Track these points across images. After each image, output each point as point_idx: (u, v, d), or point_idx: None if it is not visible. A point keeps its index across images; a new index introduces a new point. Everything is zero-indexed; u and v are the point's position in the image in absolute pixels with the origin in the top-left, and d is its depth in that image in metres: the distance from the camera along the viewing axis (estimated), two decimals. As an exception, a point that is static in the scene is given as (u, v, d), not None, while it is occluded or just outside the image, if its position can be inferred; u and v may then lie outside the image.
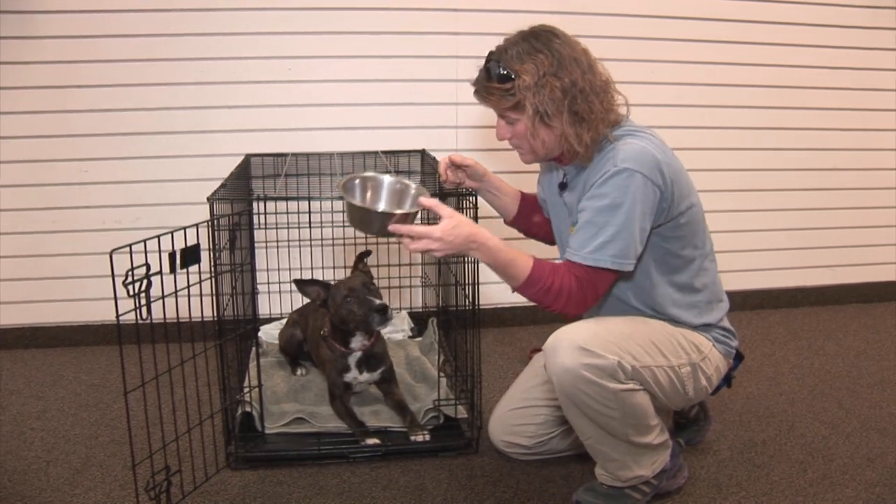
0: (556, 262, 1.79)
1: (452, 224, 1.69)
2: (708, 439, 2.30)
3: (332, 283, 2.34)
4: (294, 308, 2.95)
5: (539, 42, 1.76)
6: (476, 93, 1.86)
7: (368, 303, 2.22)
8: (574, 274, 1.72)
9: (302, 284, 2.30)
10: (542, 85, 1.73)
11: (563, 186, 1.96)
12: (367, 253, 2.51)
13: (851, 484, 2.07)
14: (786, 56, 3.44)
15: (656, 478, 1.90)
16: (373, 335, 2.37)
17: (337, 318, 2.30)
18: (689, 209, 1.82)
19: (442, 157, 2.14)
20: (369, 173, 1.91)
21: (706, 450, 2.26)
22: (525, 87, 1.73)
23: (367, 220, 1.74)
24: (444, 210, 1.72)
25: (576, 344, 1.70)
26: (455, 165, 2.12)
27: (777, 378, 2.82)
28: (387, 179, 1.90)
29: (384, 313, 2.20)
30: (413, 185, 1.88)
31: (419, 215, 1.83)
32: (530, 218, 2.21)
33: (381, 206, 1.86)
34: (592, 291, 1.74)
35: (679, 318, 1.89)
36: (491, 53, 1.82)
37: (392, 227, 1.70)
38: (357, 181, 1.86)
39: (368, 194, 1.87)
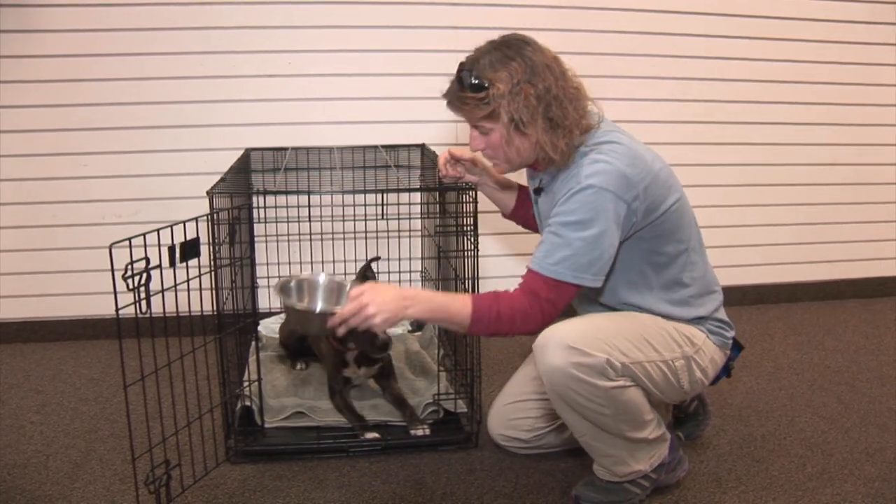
0: (499, 290, 1.75)
1: (371, 286, 1.70)
2: (707, 434, 2.30)
3: None
4: (294, 302, 2.94)
5: (511, 50, 1.74)
6: (449, 103, 1.83)
7: (369, 338, 2.11)
8: (528, 288, 1.71)
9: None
10: (517, 92, 1.71)
11: (538, 192, 1.95)
12: (377, 258, 2.48)
13: (850, 479, 2.07)
14: (784, 51, 3.44)
15: (655, 471, 1.90)
16: None
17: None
18: (668, 210, 1.79)
19: (441, 152, 2.14)
20: (305, 274, 1.98)
21: (705, 444, 2.26)
22: (499, 96, 1.72)
23: (306, 321, 1.81)
24: (365, 286, 1.71)
25: (564, 343, 1.69)
26: (454, 159, 2.12)
27: (776, 373, 2.83)
28: (321, 279, 1.96)
29: (385, 350, 2.16)
30: (348, 283, 1.93)
31: None
32: (528, 210, 2.20)
33: (319, 307, 1.89)
34: (550, 305, 1.70)
35: (671, 314, 1.88)
36: (462, 64, 1.79)
37: (331, 324, 1.69)
38: (293, 283, 1.92)
39: (305, 295, 1.94)
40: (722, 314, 1.97)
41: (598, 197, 1.68)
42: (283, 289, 1.87)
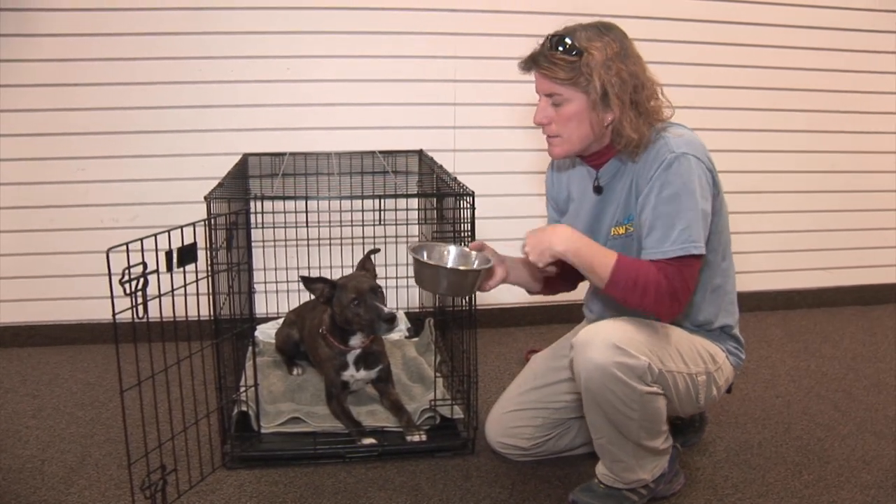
0: (642, 260, 1.75)
1: (534, 229, 1.80)
2: (704, 440, 2.31)
3: (339, 280, 2.31)
4: (291, 307, 2.94)
5: (607, 30, 1.77)
6: (534, 62, 1.79)
7: (376, 310, 2.20)
8: (659, 268, 1.70)
9: (308, 282, 2.28)
10: (609, 66, 1.72)
11: (598, 189, 1.92)
12: (376, 251, 2.50)
13: (847, 486, 2.07)
14: (784, 58, 3.45)
15: (654, 482, 1.91)
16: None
17: (341, 318, 2.28)
18: (724, 205, 1.87)
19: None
20: (436, 243, 1.99)
21: (702, 451, 2.26)
22: (595, 63, 1.72)
23: (436, 279, 1.81)
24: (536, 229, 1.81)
25: (610, 342, 1.69)
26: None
27: (773, 380, 2.83)
28: (452, 248, 1.95)
29: (391, 322, 2.19)
30: (474, 253, 1.94)
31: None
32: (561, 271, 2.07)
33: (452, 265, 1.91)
34: (682, 283, 1.70)
35: (709, 321, 1.92)
36: (554, 33, 1.80)
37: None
38: (424, 248, 1.91)
39: (433, 260, 1.91)
40: (738, 332, 2.01)
41: (694, 165, 1.71)
42: (416, 250, 1.87)
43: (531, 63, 1.80)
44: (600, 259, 1.71)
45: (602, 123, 1.78)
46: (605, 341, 1.70)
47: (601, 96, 1.73)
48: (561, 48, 1.75)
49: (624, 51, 1.75)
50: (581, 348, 1.73)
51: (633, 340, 1.71)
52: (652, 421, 1.78)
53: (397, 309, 3.27)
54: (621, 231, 1.86)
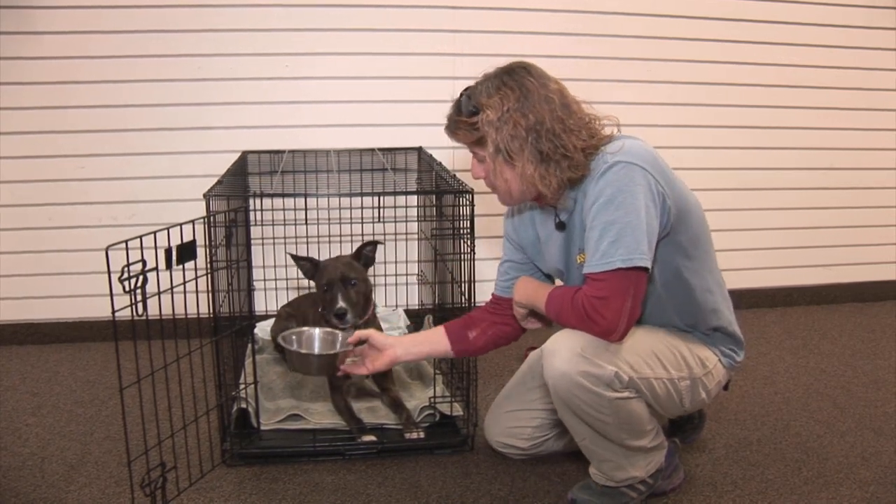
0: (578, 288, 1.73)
1: None
2: (703, 437, 2.31)
3: (322, 262, 2.44)
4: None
5: (510, 77, 1.72)
6: (446, 128, 1.82)
7: (332, 301, 2.34)
8: (590, 287, 1.67)
9: (296, 259, 2.49)
10: (505, 121, 1.69)
11: (560, 226, 1.88)
12: (379, 243, 2.54)
13: (846, 483, 2.07)
14: (783, 55, 3.45)
15: (651, 477, 1.91)
16: (362, 318, 2.41)
17: (319, 298, 2.45)
18: (695, 209, 1.80)
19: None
20: (304, 328, 2.21)
21: (701, 448, 2.26)
22: (488, 122, 1.70)
23: (307, 363, 2.07)
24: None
25: (575, 350, 1.68)
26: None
27: (772, 377, 2.83)
28: (317, 331, 2.18)
29: (341, 318, 2.31)
30: (340, 333, 2.17)
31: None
32: (466, 338, 2.05)
33: (317, 351, 2.14)
34: (619, 298, 1.64)
35: (698, 322, 1.89)
36: (465, 88, 1.79)
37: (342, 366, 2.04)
38: (293, 335, 2.14)
39: (304, 345, 2.15)
40: (736, 329, 1.97)
41: (629, 171, 1.64)
42: (285, 339, 2.10)
43: (445, 128, 1.83)
44: (540, 297, 1.81)
45: (516, 175, 1.74)
46: (570, 350, 1.69)
47: (501, 154, 1.72)
48: (462, 110, 1.75)
49: (525, 98, 1.69)
50: (548, 357, 1.73)
51: (599, 349, 1.69)
52: (630, 423, 1.77)
53: (396, 307, 3.27)
54: (581, 258, 1.81)
